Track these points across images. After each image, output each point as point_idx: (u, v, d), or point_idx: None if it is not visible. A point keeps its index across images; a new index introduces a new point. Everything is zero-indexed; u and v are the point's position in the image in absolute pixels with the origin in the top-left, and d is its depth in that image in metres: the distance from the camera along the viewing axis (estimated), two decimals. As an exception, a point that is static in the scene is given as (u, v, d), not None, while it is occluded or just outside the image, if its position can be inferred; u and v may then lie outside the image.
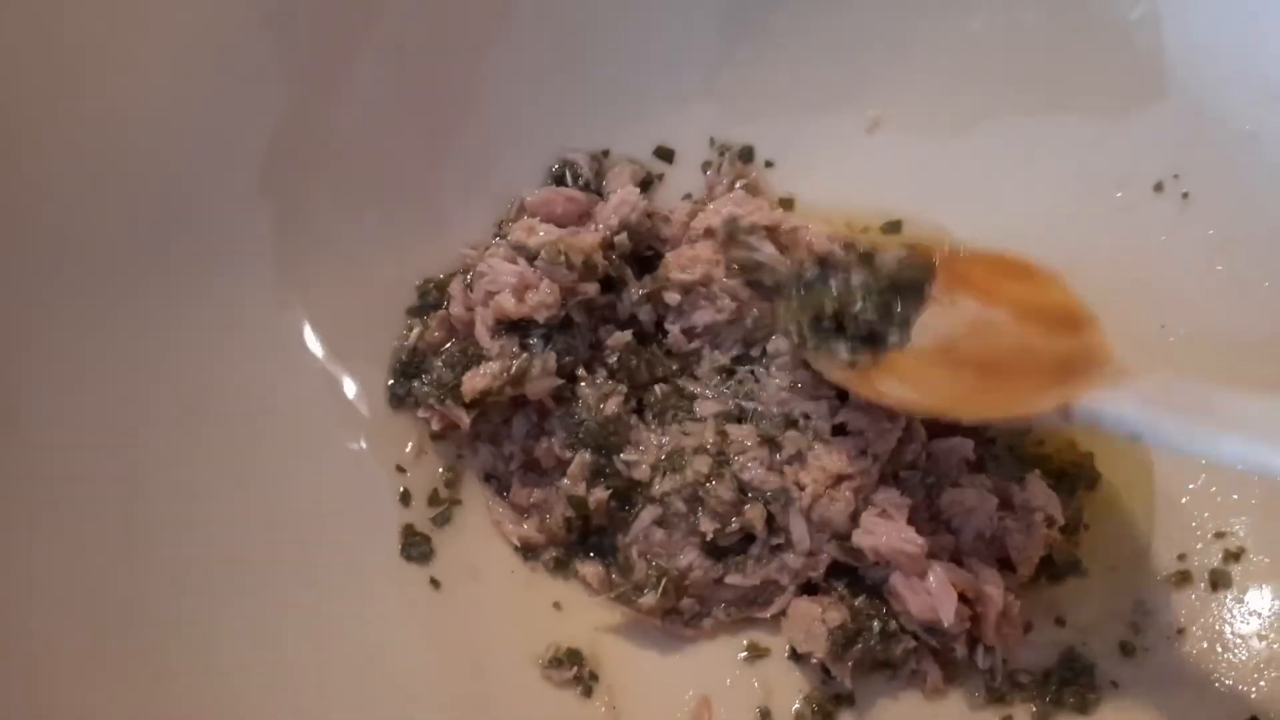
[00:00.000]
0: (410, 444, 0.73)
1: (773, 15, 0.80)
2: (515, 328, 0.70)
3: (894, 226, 0.80)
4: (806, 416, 0.68)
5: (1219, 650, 0.66)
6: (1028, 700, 0.66)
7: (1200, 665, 0.66)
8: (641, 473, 0.69)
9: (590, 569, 0.71)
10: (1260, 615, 0.67)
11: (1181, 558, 0.69)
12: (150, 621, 0.58)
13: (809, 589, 0.68)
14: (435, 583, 0.69)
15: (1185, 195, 0.76)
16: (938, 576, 0.63)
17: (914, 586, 0.63)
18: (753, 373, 0.72)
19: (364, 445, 0.71)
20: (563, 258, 0.68)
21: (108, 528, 0.60)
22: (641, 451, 0.70)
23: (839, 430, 0.68)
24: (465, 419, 0.70)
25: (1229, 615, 0.67)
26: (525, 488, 0.72)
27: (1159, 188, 0.77)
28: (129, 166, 0.63)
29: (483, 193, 0.77)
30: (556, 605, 0.71)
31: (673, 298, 0.72)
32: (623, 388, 0.71)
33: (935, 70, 0.80)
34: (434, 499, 0.72)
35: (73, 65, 0.60)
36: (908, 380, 0.64)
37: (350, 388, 0.72)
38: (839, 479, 0.66)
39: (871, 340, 0.66)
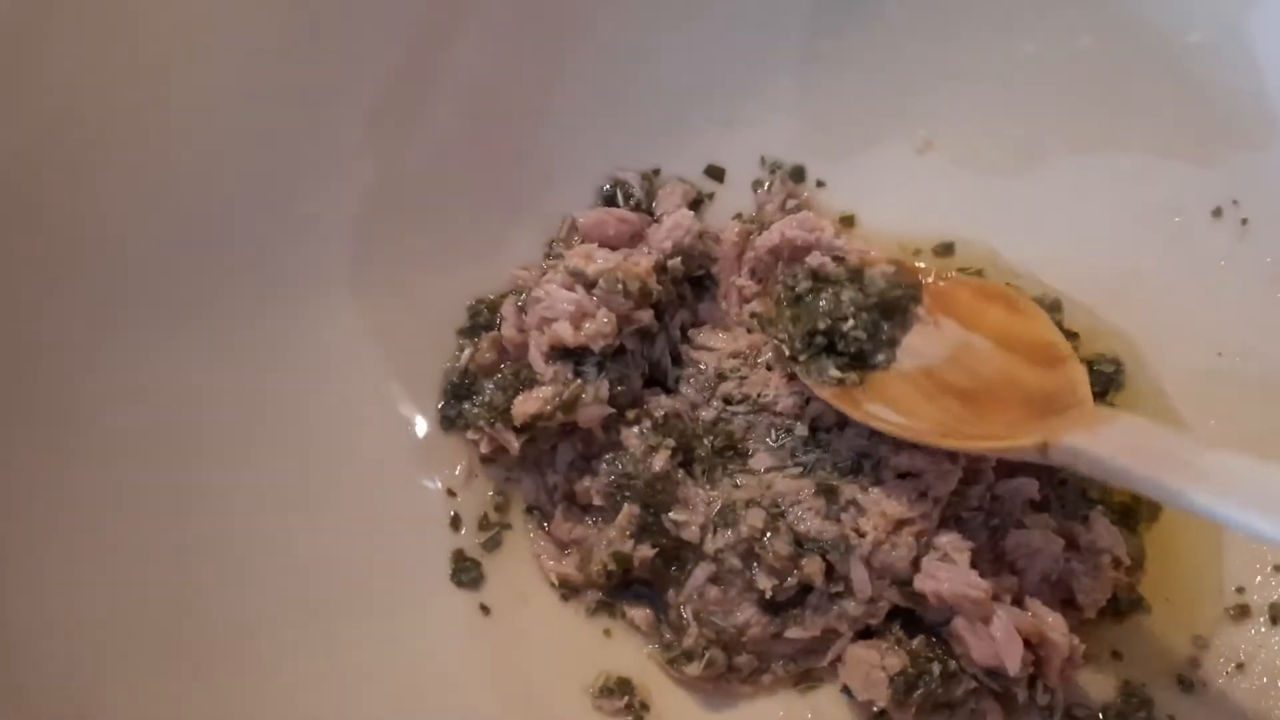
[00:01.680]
0: (460, 467, 0.72)
1: (824, 39, 0.80)
2: (569, 354, 0.69)
3: (946, 249, 0.80)
4: (866, 456, 0.67)
5: None
6: (1086, 735, 0.65)
7: (1260, 701, 0.65)
8: (691, 534, 0.68)
9: (639, 613, 0.69)
10: None
11: (1240, 590, 0.69)
12: (200, 646, 0.58)
13: (864, 633, 0.67)
14: (485, 609, 0.69)
15: (1244, 222, 0.76)
16: (1002, 623, 0.61)
17: (978, 632, 0.62)
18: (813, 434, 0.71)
19: (415, 468, 0.71)
20: (620, 286, 0.68)
21: (160, 551, 0.60)
22: (690, 510, 0.68)
23: (899, 474, 0.67)
24: (515, 443, 0.69)
25: None
26: (567, 522, 0.71)
27: (1217, 213, 0.76)
28: (192, 192, 0.63)
29: (534, 212, 0.76)
30: (607, 632, 0.70)
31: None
32: (670, 441, 0.69)
33: (988, 91, 0.80)
34: (484, 523, 0.71)
35: (139, 89, 0.60)
36: (893, 403, 0.66)
37: (401, 409, 0.72)
38: (899, 524, 0.64)
39: (859, 359, 0.68)
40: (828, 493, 0.66)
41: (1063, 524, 0.68)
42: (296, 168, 0.68)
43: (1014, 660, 0.61)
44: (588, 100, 0.78)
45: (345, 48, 0.68)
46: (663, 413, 0.70)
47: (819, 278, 0.70)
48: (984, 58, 0.79)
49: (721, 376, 0.73)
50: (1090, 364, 0.75)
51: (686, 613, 0.68)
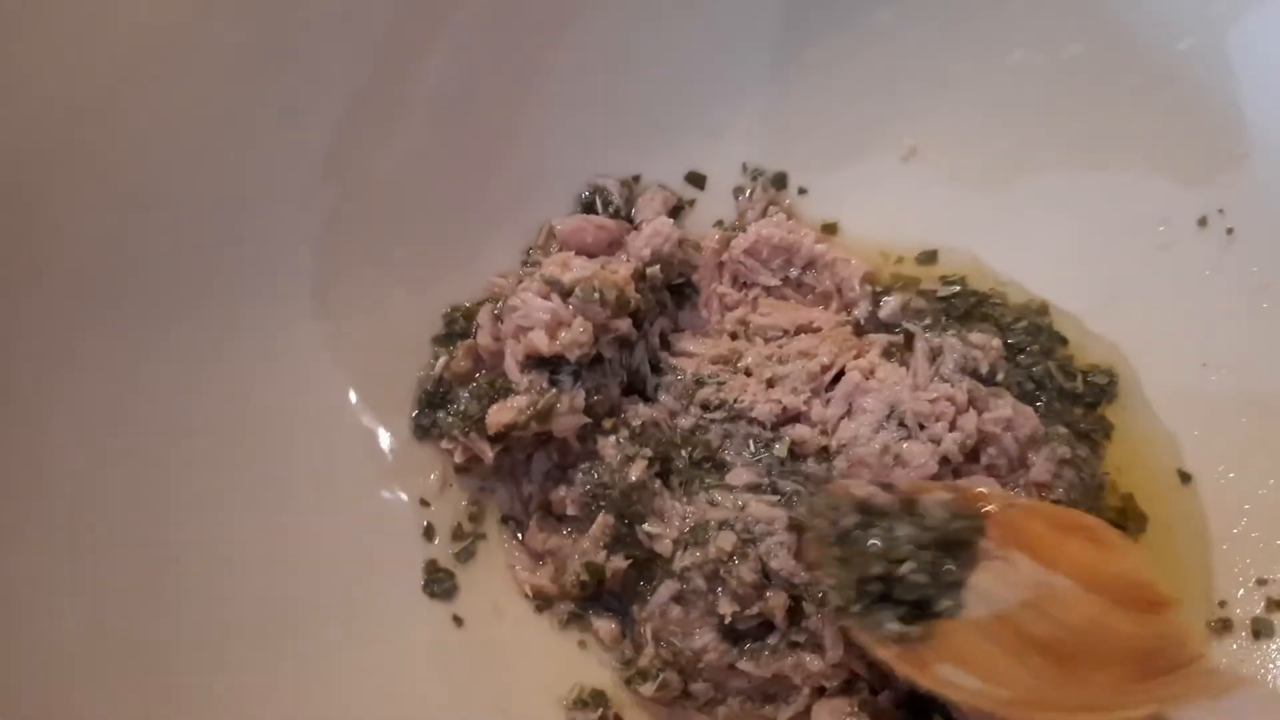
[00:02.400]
0: (434, 476, 0.72)
1: (808, 45, 0.79)
2: (545, 363, 0.68)
3: (929, 256, 0.79)
4: None
5: None
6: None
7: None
8: (664, 547, 0.67)
9: (604, 625, 0.69)
10: None
11: (1223, 604, 0.68)
12: (171, 654, 0.58)
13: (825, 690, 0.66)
14: (458, 620, 0.69)
15: (1229, 231, 0.75)
16: None
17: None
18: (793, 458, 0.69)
19: (387, 478, 0.71)
20: (597, 295, 0.67)
21: (131, 561, 0.60)
22: (665, 524, 0.68)
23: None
24: (489, 452, 0.69)
25: (1272, 665, 0.65)
26: (542, 532, 0.71)
27: (1203, 223, 0.76)
28: (165, 204, 0.63)
29: (512, 219, 0.76)
30: (581, 644, 0.70)
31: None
32: (647, 451, 0.69)
33: (974, 100, 0.79)
34: (458, 533, 0.71)
35: (110, 103, 0.60)
36: (968, 663, 0.57)
37: (376, 419, 0.72)
38: None
39: (921, 606, 0.59)
40: (800, 530, 0.65)
41: None
42: (271, 177, 0.68)
43: None
44: (567, 106, 0.78)
45: (317, 59, 0.68)
46: (640, 422, 0.70)
47: (866, 510, 0.62)
48: (971, 66, 0.79)
49: (699, 382, 0.72)
50: (1084, 374, 0.75)
51: (646, 631, 0.67)
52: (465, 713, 0.65)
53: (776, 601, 0.64)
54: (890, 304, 0.76)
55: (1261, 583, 0.68)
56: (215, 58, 0.63)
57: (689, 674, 0.66)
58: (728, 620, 0.65)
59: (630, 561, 0.68)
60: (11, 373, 0.56)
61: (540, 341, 0.67)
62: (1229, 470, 0.71)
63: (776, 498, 0.67)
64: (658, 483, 0.69)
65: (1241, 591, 0.68)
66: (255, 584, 0.63)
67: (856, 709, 0.64)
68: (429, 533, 0.70)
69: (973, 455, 0.69)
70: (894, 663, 0.58)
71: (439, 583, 0.69)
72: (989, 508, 0.61)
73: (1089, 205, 0.78)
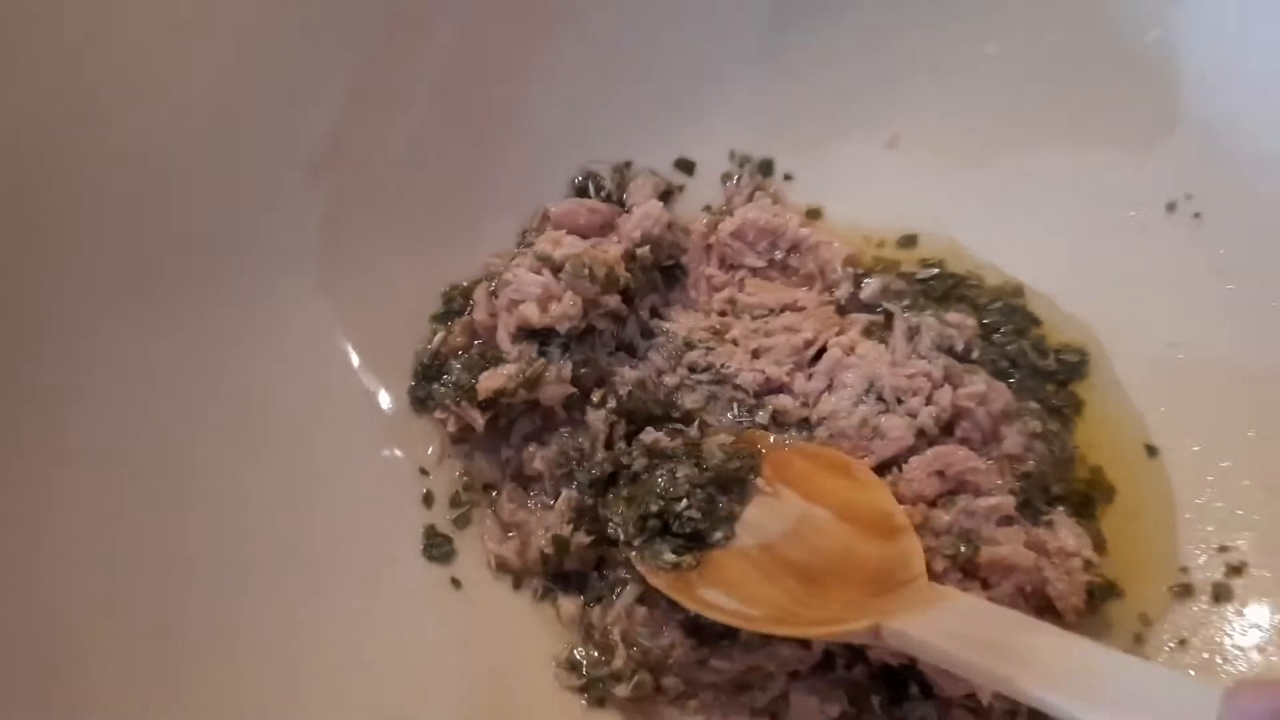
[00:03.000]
0: (432, 448, 0.75)
1: (793, 34, 0.82)
2: (535, 335, 0.71)
3: (909, 241, 0.82)
4: None
5: (1219, 662, 0.67)
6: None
7: (1201, 676, 0.67)
8: (615, 531, 0.70)
9: (569, 603, 0.71)
10: (1261, 629, 0.68)
11: (1184, 570, 0.71)
12: (192, 610, 0.61)
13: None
14: (456, 582, 0.71)
15: (1197, 215, 0.78)
16: None
17: (946, 672, 0.62)
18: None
19: (390, 448, 0.74)
20: (586, 270, 0.70)
21: (153, 525, 0.62)
22: (611, 509, 0.70)
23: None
24: (479, 419, 0.71)
25: (1230, 628, 0.68)
26: (511, 502, 0.73)
27: (1171, 207, 0.79)
28: (176, 190, 0.65)
29: (508, 203, 0.79)
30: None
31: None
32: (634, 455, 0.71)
33: (954, 89, 0.82)
34: (455, 501, 0.74)
35: (124, 96, 0.62)
36: (730, 587, 0.64)
37: (378, 392, 0.74)
38: None
39: (695, 538, 0.66)
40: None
41: (1031, 533, 0.69)
42: (280, 162, 0.70)
43: (985, 694, 0.63)
44: (561, 95, 0.80)
45: (319, 42, 0.70)
46: (627, 389, 0.72)
47: (654, 454, 0.69)
48: (951, 54, 0.81)
49: (689, 344, 0.75)
50: (1056, 353, 0.78)
51: (615, 634, 0.69)
52: (464, 667, 0.68)
53: None
54: (871, 285, 0.79)
55: (1222, 550, 0.70)
56: (223, 47, 0.66)
57: (659, 671, 0.68)
58: (693, 615, 0.67)
59: (592, 539, 0.70)
60: (41, 344, 0.59)
61: (531, 313, 0.69)
62: (1194, 444, 0.74)
63: None
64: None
65: (1204, 558, 0.71)
66: (266, 550, 0.66)
67: (833, 687, 0.66)
68: (428, 499, 0.73)
69: (948, 429, 0.72)
70: (665, 589, 0.65)
71: (437, 547, 0.72)
72: (762, 448, 0.69)
73: (1063, 192, 0.80)
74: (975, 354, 0.76)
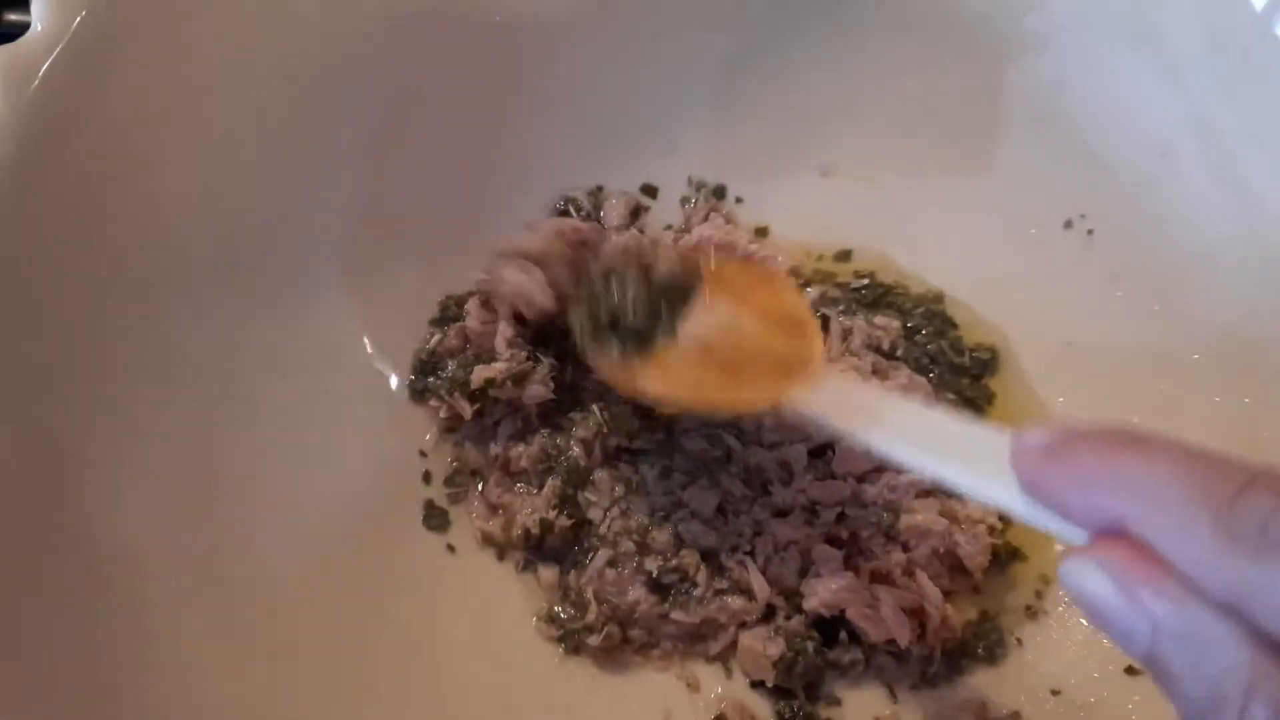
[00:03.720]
0: (430, 435, 0.84)
1: (742, 82, 0.92)
2: (534, 338, 0.81)
3: (845, 255, 0.92)
4: (769, 480, 0.79)
5: None
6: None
7: (1089, 625, 0.76)
8: (595, 514, 0.79)
9: (547, 572, 0.79)
10: None
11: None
12: (226, 569, 0.70)
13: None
14: (451, 548, 0.80)
15: (1090, 232, 0.88)
16: (889, 607, 0.72)
17: (869, 617, 0.72)
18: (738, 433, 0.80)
19: (394, 432, 0.83)
20: (560, 256, 0.79)
21: (190, 500, 0.71)
22: (599, 493, 0.80)
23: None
24: (468, 409, 0.80)
25: None
26: (498, 488, 0.82)
27: (1068, 225, 0.88)
28: (225, 205, 0.75)
29: (497, 225, 0.87)
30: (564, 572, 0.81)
31: None
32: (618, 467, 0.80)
33: (879, 123, 0.92)
34: (449, 481, 0.83)
35: (184, 122, 0.73)
36: (664, 375, 0.71)
37: (386, 383, 0.84)
38: (788, 543, 0.76)
39: (642, 340, 0.73)
40: (720, 511, 0.78)
41: (945, 503, 0.79)
42: (304, 186, 0.80)
43: (904, 634, 0.73)
44: (542, 129, 0.90)
45: (340, 90, 0.81)
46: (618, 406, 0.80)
47: (610, 275, 0.76)
48: (875, 95, 0.91)
49: None
50: (971, 351, 0.88)
51: (588, 593, 0.77)
52: (459, 619, 0.77)
53: (690, 559, 0.76)
54: (810, 294, 0.90)
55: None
56: (267, 89, 0.76)
57: (626, 624, 0.77)
58: (655, 575, 0.76)
59: (572, 521, 0.79)
60: (108, 332, 0.69)
61: (543, 301, 0.78)
62: None
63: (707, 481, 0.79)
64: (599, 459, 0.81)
65: None
66: (291, 517, 0.75)
67: (774, 634, 0.75)
68: (426, 477, 0.82)
69: None
70: (609, 378, 0.74)
71: (435, 518, 0.81)
72: (704, 267, 0.76)
73: (975, 211, 0.90)
74: (899, 352, 0.87)
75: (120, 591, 0.65)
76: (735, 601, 0.77)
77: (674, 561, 0.77)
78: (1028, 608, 0.80)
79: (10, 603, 0.59)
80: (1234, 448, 0.72)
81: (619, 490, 0.80)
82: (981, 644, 0.78)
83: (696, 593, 0.76)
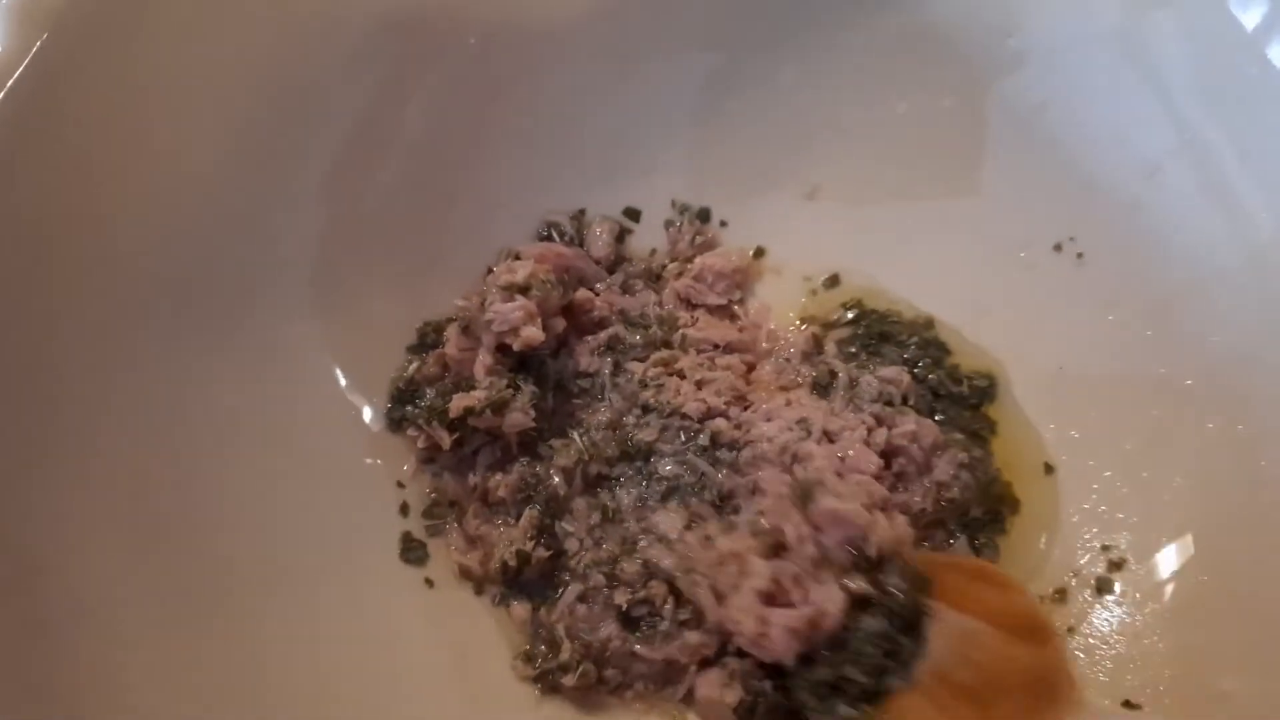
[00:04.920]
0: (406, 467, 0.82)
1: (726, 102, 0.91)
2: (518, 365, 0.79)
3: (833, 280, 0.91)
4: (731, 497, 0.76)
5: (1102, 647, 0.74)
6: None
7: (1086, 657, 0.74)
8: (571, 544, 0.78)
9: (519, 607, 0.78)
10: (1137, 616, 0.75)
11: (1071, 568, 0.78)
12: (197, 603, 0.68)
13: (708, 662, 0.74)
14: (429, 582, 0.79)
15: (1080, 255, 0.87)
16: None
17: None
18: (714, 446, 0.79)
19: (371, 462, 0.81)
20: (547, 284, 0.78)
21: (159, 525, 0.69)
22: (576, 522, 0.78)
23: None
24: (446, 438, 0.78)
25: (1109, 614, 0.75)
26: (476, 519, 0.80)
27: (1058, 248, 0.87)
28: (186, 234, 0.74)
29: (474, 244, 0.87)
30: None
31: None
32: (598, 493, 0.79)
33: (867, 145, 0.91)
34: (428, 513, 0.81)
35: (145, 149, 0.71)
36: None
37: (360, 413, 0.82)
38: (732, 556, 0.72)
39: (876, 688, 0.64)
40: (686, 529, 0.76)
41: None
42: (273, 209, 0.79)
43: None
44: (522, 150, 0.89)
45: (311, 112, 0.79)
46: (601, 432, 0.79)
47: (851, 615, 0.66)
48: (864, 115, 0.91)
49: (644, 385, 0.82)
50: (969, 379, 0.86)
51: (560, 630, 0.75)
52: (435, 655, 0.75)
53: (657, 590, 0.74)
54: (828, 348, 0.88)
55: (1105, 548, 0.78)
56: (231, 111, 0.75)
57: (600, 663, 0.75)
58: (624, 608, 0.74)
59: (550, 553, 0.77)
60: (70, 370, 0.67)
61: (531, 334, 0.77)
62: (1079, 456, 0.82)
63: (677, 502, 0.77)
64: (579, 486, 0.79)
65: (1088, 556, 0.78)
66: (265, 551, 0.72)
67: (729, 679, 0.72)
68: (404, 509, 0.80)
69: (887, 462, 0.79)
70: None
71: (413, 551, 0.79)
72: (934, 571, 0.67)
73: (963, 235, 0.89)
74: (911, 401, 0.84)
75: (81, 636, 0.62)
76: (693, 636, 0.74)
77: (642, 593, 0.75)
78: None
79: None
80: (1227, 475, 0.73)
81: (595, 519, 0.78)
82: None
83: (663, 627, 0.74)
